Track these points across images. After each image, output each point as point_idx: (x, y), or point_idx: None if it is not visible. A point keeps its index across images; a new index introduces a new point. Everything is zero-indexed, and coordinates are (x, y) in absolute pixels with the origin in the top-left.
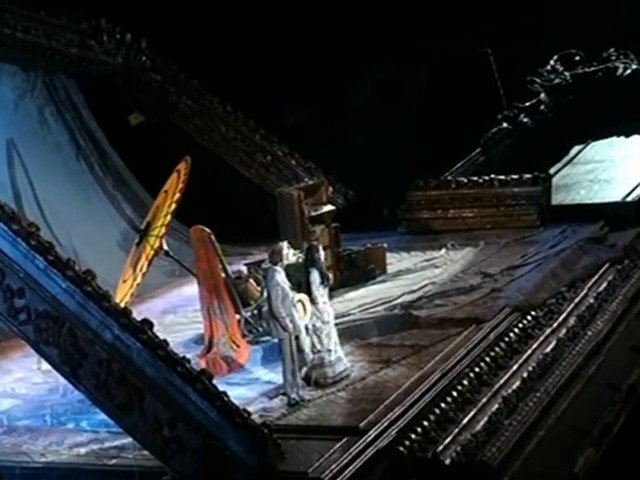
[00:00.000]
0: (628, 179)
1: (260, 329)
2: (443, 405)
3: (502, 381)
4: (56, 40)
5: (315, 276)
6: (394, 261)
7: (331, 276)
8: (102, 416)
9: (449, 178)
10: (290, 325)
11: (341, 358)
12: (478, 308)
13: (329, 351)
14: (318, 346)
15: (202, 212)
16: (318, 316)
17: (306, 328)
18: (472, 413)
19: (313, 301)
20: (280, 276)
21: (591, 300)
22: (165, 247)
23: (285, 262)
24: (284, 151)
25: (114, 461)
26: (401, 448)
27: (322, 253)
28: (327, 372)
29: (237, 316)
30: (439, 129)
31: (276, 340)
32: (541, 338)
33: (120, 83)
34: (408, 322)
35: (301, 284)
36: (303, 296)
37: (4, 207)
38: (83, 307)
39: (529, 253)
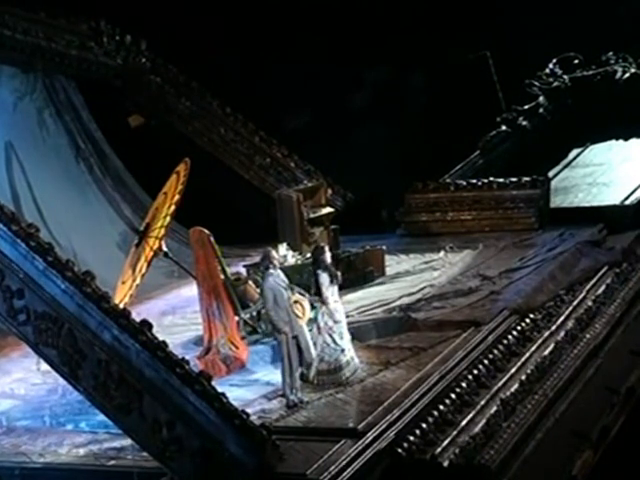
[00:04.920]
0: (626, 182)
1: (260, 330)
2: (441, 407)
3: (500, 384)
4: (56, 42)
5: (324, 277)
6: (393, 263)
7: (339, 274)
8: (101, 417)
9: (448, 181)
10: (285, 327)
11: (354, 357)
12: (476, 311)
13: (343, 351)
14: (332, 345)
15: (201, 214)
16: (330, 315)
17: (318, 328)
18: (470, 415)
19: (324, 301)
20: (272, 279)
21: (589, 303)
22: (164, 248)
23: (277, 263)
24: (283, 153)
25: (113, 462)
26: (399, 450)
27: (328, 254)
28: (344, 374)
29: (236, 317)
30: (438, 131)
31: (275, 342)
32: (539, 341)
33: (120, 85)
34: (407, 324)
35: (300, 286)
36: (300, 297)
37: (4, 208)
38: (82, 308)
39: (527, 256)
